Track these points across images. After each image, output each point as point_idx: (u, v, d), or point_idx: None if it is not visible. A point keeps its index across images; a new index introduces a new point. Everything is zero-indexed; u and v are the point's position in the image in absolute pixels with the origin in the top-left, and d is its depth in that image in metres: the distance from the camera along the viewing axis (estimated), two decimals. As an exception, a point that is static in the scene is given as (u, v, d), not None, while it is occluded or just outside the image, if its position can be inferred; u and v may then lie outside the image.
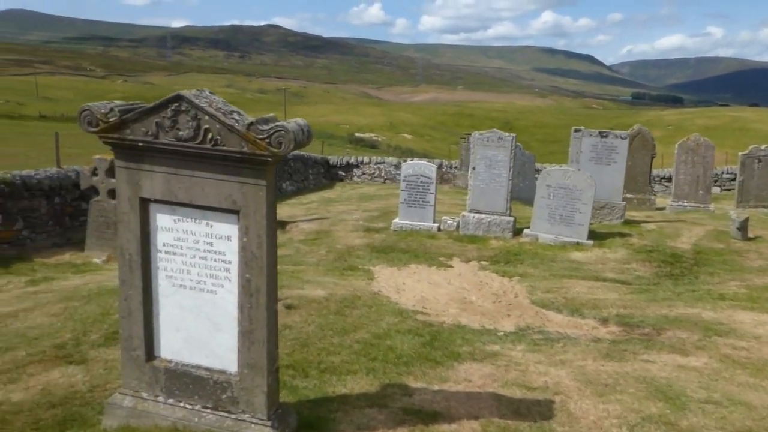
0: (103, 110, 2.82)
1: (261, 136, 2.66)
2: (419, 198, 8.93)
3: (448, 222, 9.03)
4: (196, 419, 3.05)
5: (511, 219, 8.71)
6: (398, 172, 20.96)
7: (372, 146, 70.85)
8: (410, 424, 3.29)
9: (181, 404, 3.10)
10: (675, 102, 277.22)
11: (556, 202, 8.37)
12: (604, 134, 9.75)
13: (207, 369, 3.08)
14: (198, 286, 3.03)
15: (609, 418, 3.36)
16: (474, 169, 8.62)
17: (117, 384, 3.82)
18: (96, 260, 7.65)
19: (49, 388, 3.75)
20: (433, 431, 3.23)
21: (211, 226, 2.93)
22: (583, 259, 7.75)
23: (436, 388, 3.81)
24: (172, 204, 2.94)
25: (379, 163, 21.00)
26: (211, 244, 2.95)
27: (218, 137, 2.71)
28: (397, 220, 9.16)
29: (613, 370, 4.06)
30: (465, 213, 8.86)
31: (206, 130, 2.72)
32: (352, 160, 21.23)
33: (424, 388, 3.80)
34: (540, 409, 3.50)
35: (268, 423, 2.99)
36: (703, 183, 11.72)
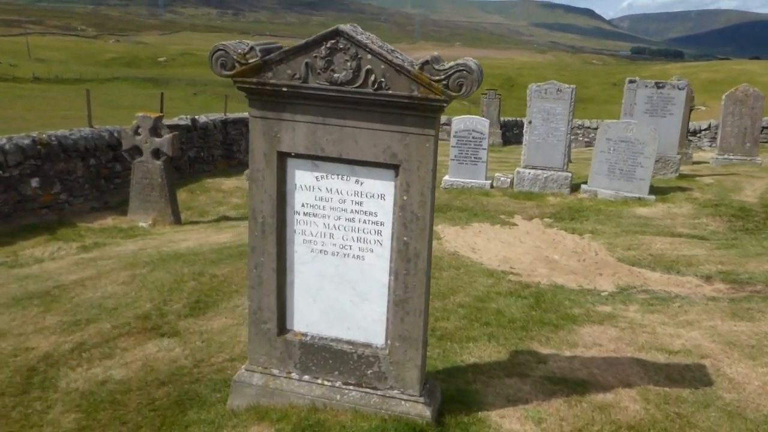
0: (240, 50, 2.44)
1: (437, 77, 2.28)
2: (471, 154, 8.56)
3: (502, 179, 8.68)
4: (338, 397, 2.77)
5: (569, 174, 8.36)
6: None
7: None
8: (562, 394, 3.02)
9: (319, 381, 2.81)
10: (675, 56, 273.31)
11: (616, 156, 8.01)
12: (661, 85, 9.31)
13: (349, 342, 2.78)
14: (342, 252, 2.70)
15: (776, 385, 3.09)
16: (530, 122, 8.22)
17: (222, 358, 3.55)
18: (142, 224, 7.32)
19: (150, 364, 3.46)
20: (591, 401, 2.96)
21: (362, 184, 2.58)
22: (650, 215, 7.44)
23: (567, 354, 3.54)
24: (315, 159, 2.59)
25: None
26: (360, 203, 2.61)
27: (383, 80, 2.34)
28: (447, 177, 8.81)
29: (750, 330, 3.79)
30: (520, 169, 8.50)
31: (368, 72, 2.34)
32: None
33: (555, 354, 3.53)
34: (693, 374, 3.24)
35: (421, 399, 2.71)
36: (751, 135, 11.33)
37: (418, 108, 2.38)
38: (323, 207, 2.67)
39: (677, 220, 7.24)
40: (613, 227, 6.89)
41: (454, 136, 8.67)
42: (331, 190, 2.64)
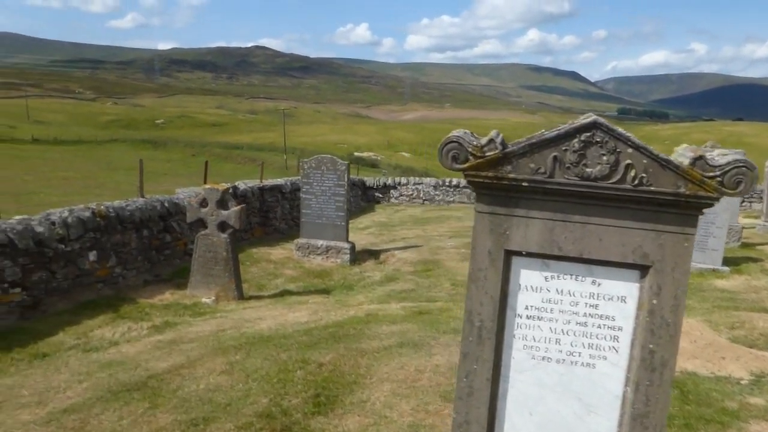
0: (476, 142, 2.24)
1: (711, 174, 2.09)
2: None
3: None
4: None
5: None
6: (437, 192, 20.48)
7: (372, 165, 70.44)
8: None
9: (531, 503, 2.49)
10: (660, 117, 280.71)
11: (686, 226, 7.83)
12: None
13: (570, 460, 2.47)
14: (569, 359, 2.43)
15: None
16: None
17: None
18: (205, 300, 6.99)
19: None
20: None
21: (599, 285, 2.35)
22: (731, 288, 7.21)
23: (755, 460, 3.22)
24: (547, 258, 2.36)
25: (418, 183, 20.51)
26: (595, 306, 2.37)
27: (644, 175, 2.14)
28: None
29: None
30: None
31: (628, 167, 2.14)
32: (389, 182, 20.73)
33: (742, 461, 3.21)
34: None
35: None
36: (796, 200, 11.29)
37: (681, 205, 2.17)
38: (551, 309, 2.42)
39: (761, 293, 7.01)
40: (701, 302, 6.64)
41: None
42: (561, 291, 2.39)
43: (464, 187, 20.26)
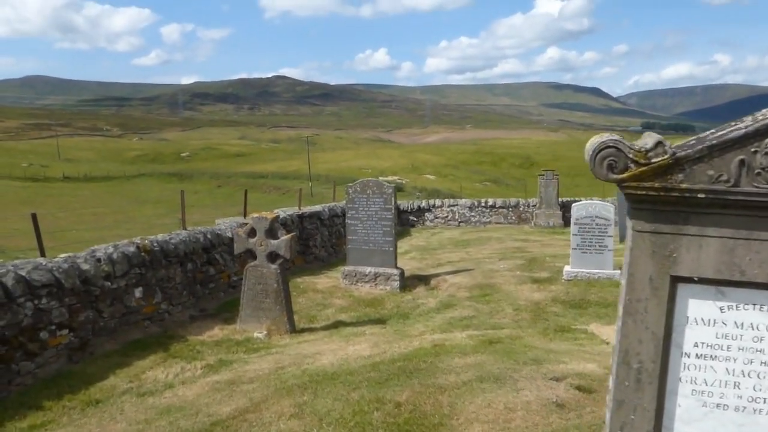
0: (639, 147, 1.86)
1: None
2: (595, 242, 7.90)
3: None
4: None
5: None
6: (473, 213, 20.03)
7: (398, 189, 70.23)
8: None
9: None
10: (686, 130, 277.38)
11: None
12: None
13: None
14: (750, 406, 2.00)
15: None
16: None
17: None
18: (257, 335, 6.64)
19: None
20: None
21: (789, 315, 1.92)
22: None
23: None
24: (723, 284, 1.95)
25: (452, 205, 20.11)
26: (785, 341, 1.94)
27: None
28: (568, 268, 8.11)
29: None
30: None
31: (837, 168, 1.74)
32: (423, 204, 20.38)
33: None
34: None
35: None
36: None
37: None
38: (727, 347, 2.00)
39: None
40: None
41: (575, 224, 8.06)
42: (740, 324, 1.97)
43: (500, 207, 19.81)
